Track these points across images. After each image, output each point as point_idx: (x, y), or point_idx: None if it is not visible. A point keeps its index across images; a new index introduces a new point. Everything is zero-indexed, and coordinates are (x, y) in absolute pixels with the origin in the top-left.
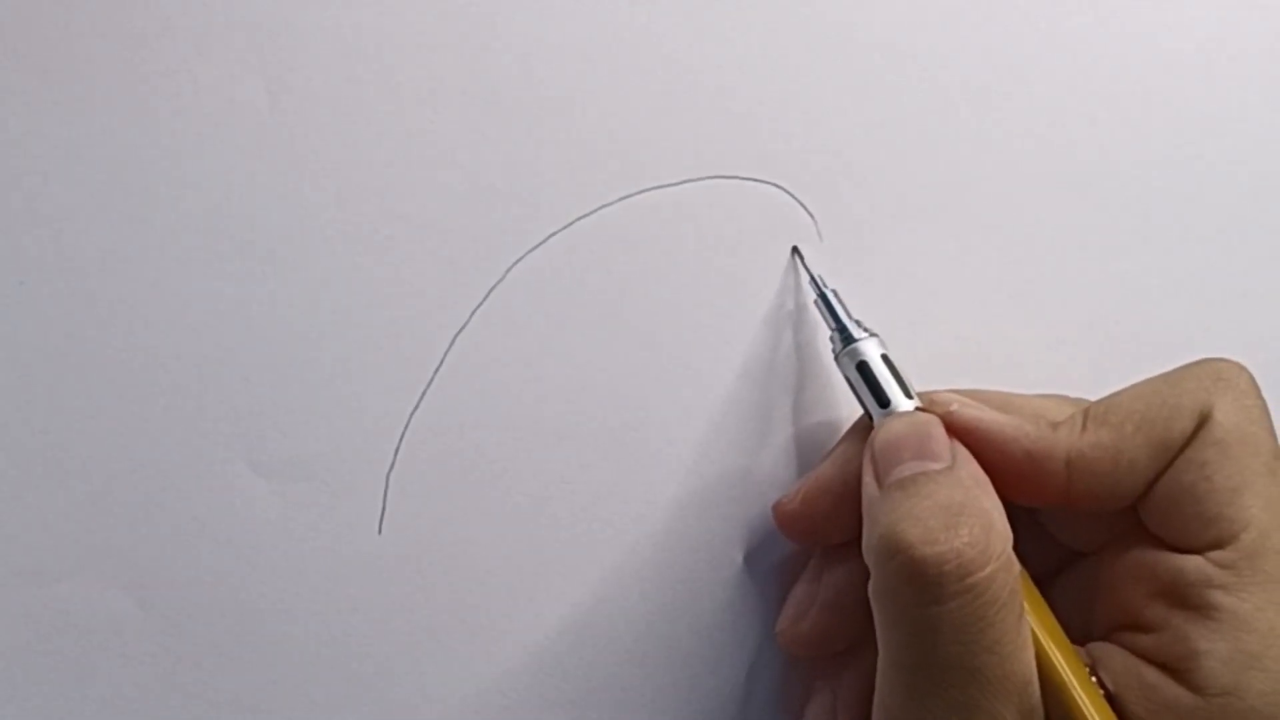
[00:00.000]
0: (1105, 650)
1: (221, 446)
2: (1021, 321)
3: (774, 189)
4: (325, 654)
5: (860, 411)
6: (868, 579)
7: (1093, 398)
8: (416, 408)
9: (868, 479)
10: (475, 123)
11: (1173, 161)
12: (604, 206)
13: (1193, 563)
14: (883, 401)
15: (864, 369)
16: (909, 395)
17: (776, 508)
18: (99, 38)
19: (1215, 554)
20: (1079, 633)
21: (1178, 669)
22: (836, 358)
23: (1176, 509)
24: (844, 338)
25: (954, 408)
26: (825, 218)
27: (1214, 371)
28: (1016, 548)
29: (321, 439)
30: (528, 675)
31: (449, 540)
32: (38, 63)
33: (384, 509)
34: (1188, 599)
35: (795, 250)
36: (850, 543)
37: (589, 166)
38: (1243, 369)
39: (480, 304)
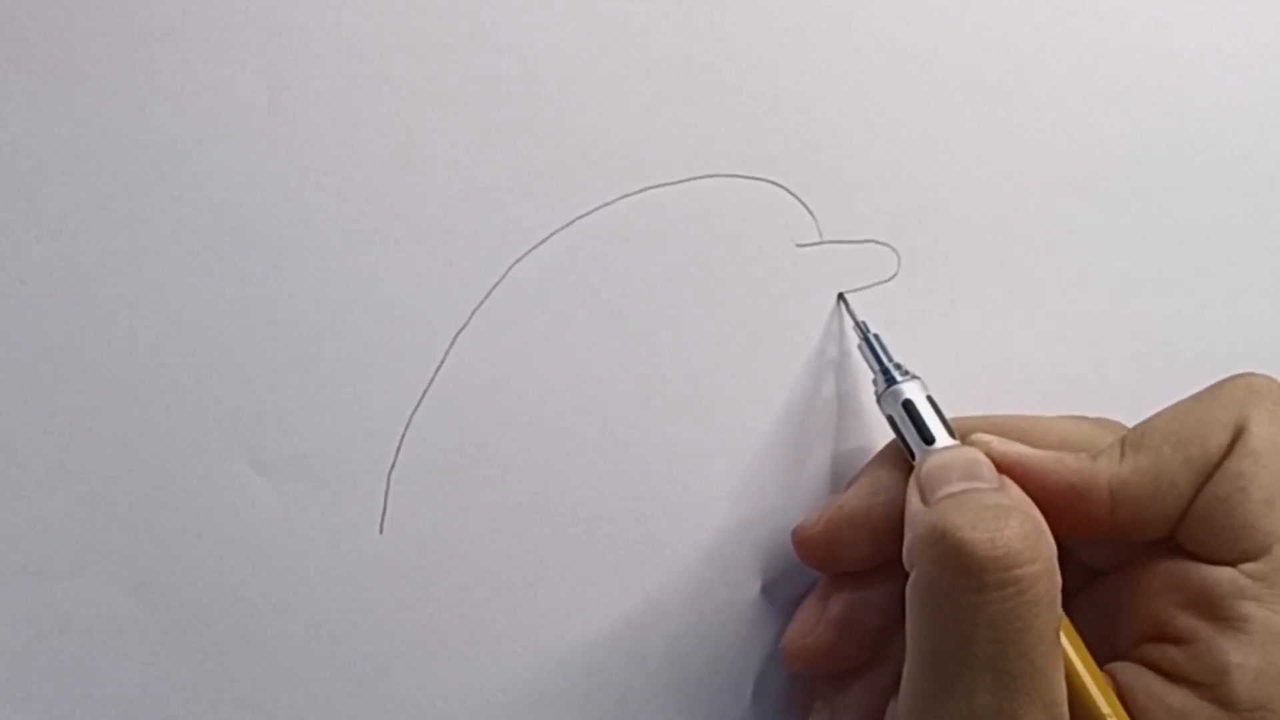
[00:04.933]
0: (1129, 674)
1: (221, 446)
2: (1022, 321)
3: (774, 187)
4: (325, 654)
5: (882, 443)
6: (878, 599)
7: (1100, 403)
8: (417, 407)
9: (913, 499)
10: (475, 123)
11: (1160, 160)
12: (604, 205)
13: (1225, 574)
14: (928, 439)
15: (909, 407)
16: (952, 435)
17: (796, 532)
18: (99, 38)
19: (1248, 566)
20: (1100, 652)
21: (1207, 684)
22: (879, 397)
23: (1211, 522)
24: (888, 379)
25: (994, 445)
26: (825, 216)
27: (1246, 385)
28: None
29: (322, 438)
30: (528, 675)
31: (449, 540)
32: (38, 63)
33: (385, 508)
34: (1219, 610)
35: (841, 297)
36: (865, 571)
37: (589, 165)
38: (1274, 381)
39: (480, 304)
